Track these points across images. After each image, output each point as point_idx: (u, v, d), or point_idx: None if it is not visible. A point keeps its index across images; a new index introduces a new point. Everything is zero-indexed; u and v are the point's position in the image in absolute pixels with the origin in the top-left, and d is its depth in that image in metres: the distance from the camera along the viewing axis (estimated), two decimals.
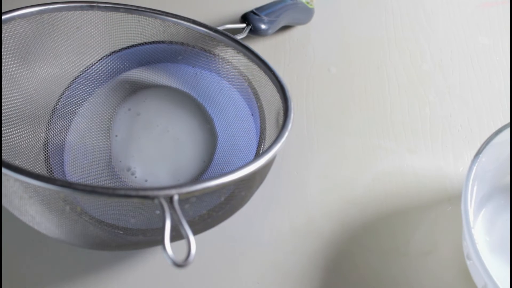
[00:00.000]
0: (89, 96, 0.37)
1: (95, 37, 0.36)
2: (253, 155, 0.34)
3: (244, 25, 0.39)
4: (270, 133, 0.33)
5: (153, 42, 0.37)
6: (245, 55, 0.35)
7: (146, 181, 0.34)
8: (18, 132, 0.31)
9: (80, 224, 0.28)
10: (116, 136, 0.36)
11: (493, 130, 0.29)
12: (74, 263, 0.32)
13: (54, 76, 0.34)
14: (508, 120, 0.38)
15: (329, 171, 0.36)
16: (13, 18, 0.30)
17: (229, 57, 0.37)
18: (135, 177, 0.34)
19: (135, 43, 0.37)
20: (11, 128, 0.31)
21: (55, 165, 0.33)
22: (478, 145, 0.29)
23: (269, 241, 0.33)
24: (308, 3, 0.44)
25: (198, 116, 0.37)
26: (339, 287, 0.31)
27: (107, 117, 0.37)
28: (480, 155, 0.28)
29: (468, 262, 0.29)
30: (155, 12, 0.35)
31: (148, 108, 0.37)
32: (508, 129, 0.29)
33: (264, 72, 0.34)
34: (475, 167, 0.28)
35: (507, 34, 0.43)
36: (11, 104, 0.31)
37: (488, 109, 0.39)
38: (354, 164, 0.36)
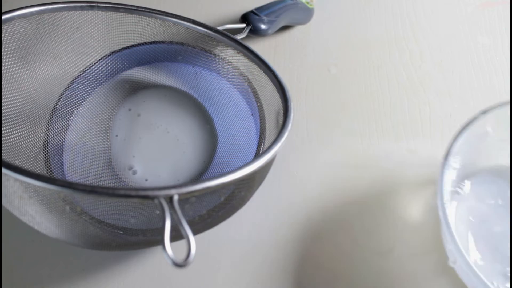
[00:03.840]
0: (89, 96, 0.37)
1: (95, 37, 0.36)
2: (253, 155, 0.34)
3: (244, 25, 0.39)
4: (270, 133, 0.33)
5: (153, 42, 0.37)
6: (245, 55, 0.35)
7: (146, 180, 0.34)
8: (18, 132, 0.31)
9: (80, 224, 0.28)
10: (117, 136, 0.36)
11: None
12: (74, 263, 0.32)
13: (54, 76, 0.34)
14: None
15: (329, 171, 0.36)
16: (13, 18, 0.30)
17: (229, 57, 0.37)
18: (135, 177, 0.34)
19: (135, 43, 0.37)
20: (11, 128, 0.31)
21: (55, 165, 0.33)
22: None
23: (269, 241, 0.33)
24: (308, 3, 0.43)
25: (198, 116, 0.37)
26: (338, 287, 0.31)
27: (107, 117, 0.37)
28: (449, 157, 0.28)
29: (454, 266, 0.29)
30: (155, 12, 0.35)
31: (148, 108, 0.37)
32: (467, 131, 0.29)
33: (264, 72, 0.34)
34: (446, 172, 0.28)
35: (507, 34, 0.43)
36: (11, 104, 0.31)
37: None
38: (354, 164, 0.36)
